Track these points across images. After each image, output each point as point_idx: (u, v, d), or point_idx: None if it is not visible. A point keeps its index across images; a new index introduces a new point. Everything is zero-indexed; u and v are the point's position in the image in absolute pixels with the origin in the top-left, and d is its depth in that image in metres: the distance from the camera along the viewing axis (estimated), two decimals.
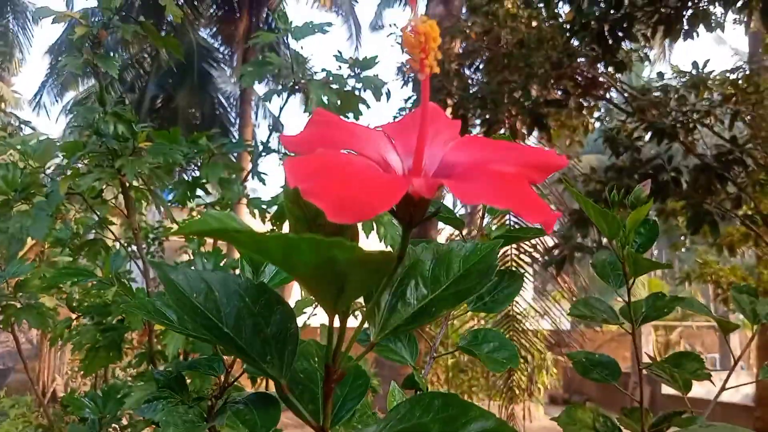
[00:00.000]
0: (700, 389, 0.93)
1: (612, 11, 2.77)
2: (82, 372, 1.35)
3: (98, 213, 1.58)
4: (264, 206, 1.57)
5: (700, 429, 0.79)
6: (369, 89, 1.53)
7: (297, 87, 1.52)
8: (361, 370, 0.41)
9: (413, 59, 0.28)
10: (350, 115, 1.67)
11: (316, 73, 1.64)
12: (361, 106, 1.71)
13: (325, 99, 1.52)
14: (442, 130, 0.35)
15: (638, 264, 0.79)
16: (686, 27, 2.82)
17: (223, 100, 13.01)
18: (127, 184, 1.21)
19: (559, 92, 3.59)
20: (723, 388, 1.03)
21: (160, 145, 1.19)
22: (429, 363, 0.67)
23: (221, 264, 1.14)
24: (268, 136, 1.63)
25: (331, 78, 1.60)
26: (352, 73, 1.55)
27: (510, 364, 0.65)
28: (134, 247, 1.48)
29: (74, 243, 1.63)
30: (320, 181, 0.25)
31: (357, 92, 1.68)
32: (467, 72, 4.01)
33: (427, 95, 0.30)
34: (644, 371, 0.99)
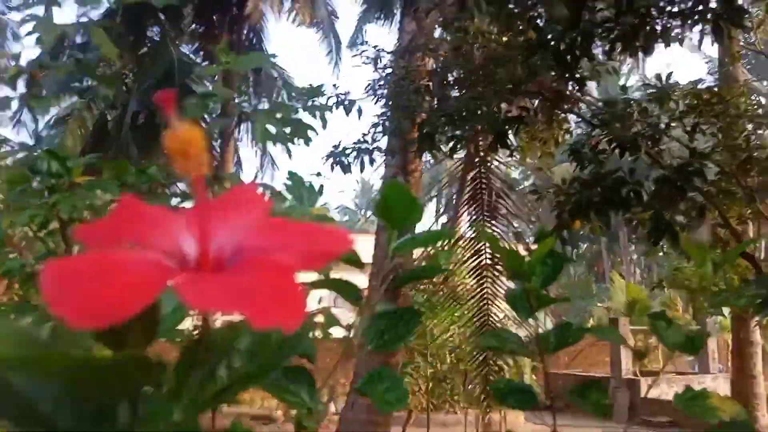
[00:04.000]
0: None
1: (570, 29, 2.83)
2: None
3: (47, 244, 1.59)
4: None
5: None
6: (314, 117, 1.56)
7: (244, 117, 1.54)
8: None
9: (179, 163, 0.29)
10: (300, 141, 1.69)
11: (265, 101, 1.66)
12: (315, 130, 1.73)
13: (271, 128, 1.54)
14: (250, 211, 0.37)
15: (540, 299, 0.82)
16: (643, 44, 2.89)
17: (204, 116, 12.98)
18: (65, 219, 1.22)
19: (523, 108, 3.64)
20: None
21: (96, 181, 1.20)
22: None
23: None
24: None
25: (280, 107, 1.63)
26: (300, 103, 1.57)
27: (399, 404, 0.66)
28: None
29: (24, 273, 1.63)
30: (64, 288, 0.26)
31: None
32: (437, 89, 4.06)
33: (202, 194, 0.32)
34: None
